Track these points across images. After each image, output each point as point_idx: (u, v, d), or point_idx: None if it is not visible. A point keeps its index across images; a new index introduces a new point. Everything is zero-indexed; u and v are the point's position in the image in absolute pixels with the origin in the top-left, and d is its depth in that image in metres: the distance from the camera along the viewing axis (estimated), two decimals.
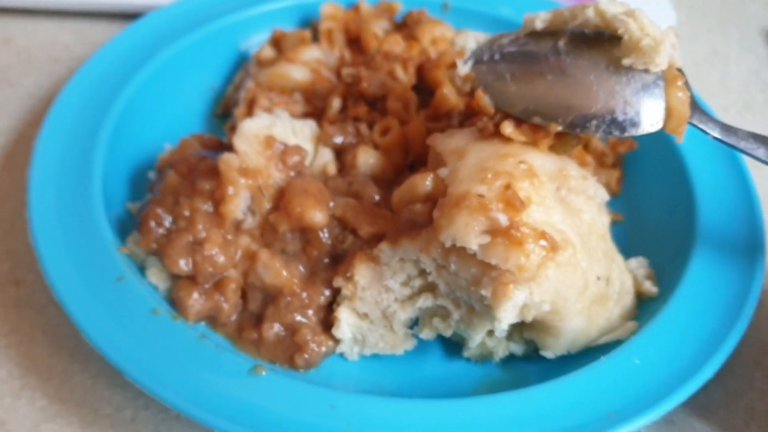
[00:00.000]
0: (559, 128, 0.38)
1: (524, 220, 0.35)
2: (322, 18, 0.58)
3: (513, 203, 0.35)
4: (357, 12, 0.60)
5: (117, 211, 0.47)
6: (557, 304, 0.37)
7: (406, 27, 0.59)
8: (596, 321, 0.39)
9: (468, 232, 0.35)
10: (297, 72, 0.53)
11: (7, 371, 0.41)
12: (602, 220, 0.40)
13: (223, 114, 0.58)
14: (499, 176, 0.36)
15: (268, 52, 0.58)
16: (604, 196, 0.42)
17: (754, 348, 0.45)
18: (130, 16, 0.65)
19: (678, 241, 0.45)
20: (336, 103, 0.50)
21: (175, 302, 0.43)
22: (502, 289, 0.35)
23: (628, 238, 0.48)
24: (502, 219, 0.35)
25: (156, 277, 0.43)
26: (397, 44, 0.52)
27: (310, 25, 0.61)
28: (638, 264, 0.45)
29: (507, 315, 0.36)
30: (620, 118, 0.38)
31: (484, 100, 0.40)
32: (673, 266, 0.44)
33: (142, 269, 0.44)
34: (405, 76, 0.50)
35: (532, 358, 0.40)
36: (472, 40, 0.59)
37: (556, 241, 0.35)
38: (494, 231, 0.35)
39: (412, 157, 0.48)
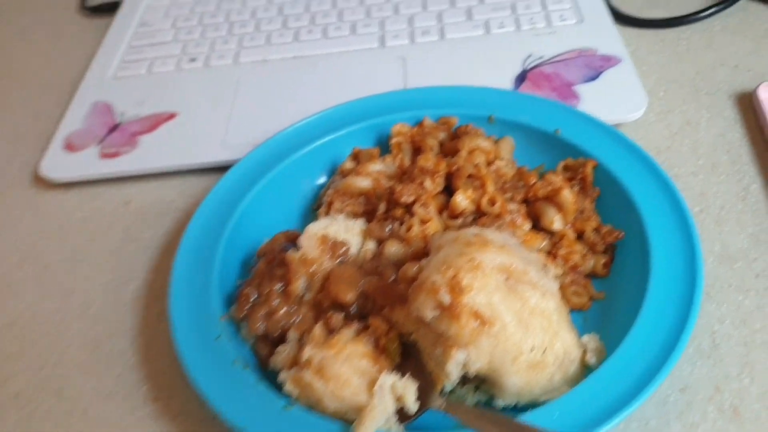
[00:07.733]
0: None
1: (465, 301, 0.48)
2: (392, 134, 0.75)
3: (455, 288, 0.48)
4: (421, 126, 0.76)
5: (230, 287, 0.65)
6: (493, 364, 0.48)
7: (457, 138, 0.74)
8: (536, 382, 0.50)
9: (425, 306, 0.49)
10: (362, 182, 0.70)
11: None
12: (546, 304, 0.50)
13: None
14: (451, 269, 0.49)
15: (349, 165, 0.75)
16: (551, 285, 0.52)
17: (708, 385, 0.52)
18: (221, 168, 0.77)
19: (627, 316, 0.53)
20: (381, 207, 0.66)
21: (255, 353, 0.60)
22: (447, 350, 0.48)
23: (603, 314, 0.58)
24: (446, 299, 0.48)
25: (245, 335, 0.61)
26: (428, 161, 0.67)
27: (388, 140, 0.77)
28: (589, 338, 0.53)
29: (453, 369, 0.49)
30: None
31: None
32: (621, 336, 0.52)
33: (238, 330, 0.62)
34: (431, 186, 0.64)
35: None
36: (507, 148, 0.72)
37: (485, 317, 0.47)
38: (442, 307, 0.48)
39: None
